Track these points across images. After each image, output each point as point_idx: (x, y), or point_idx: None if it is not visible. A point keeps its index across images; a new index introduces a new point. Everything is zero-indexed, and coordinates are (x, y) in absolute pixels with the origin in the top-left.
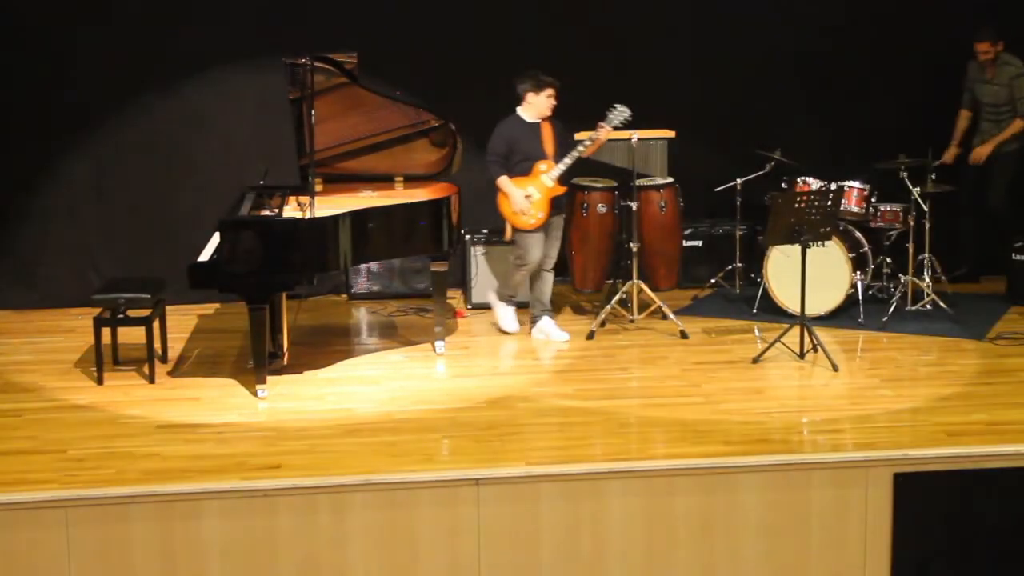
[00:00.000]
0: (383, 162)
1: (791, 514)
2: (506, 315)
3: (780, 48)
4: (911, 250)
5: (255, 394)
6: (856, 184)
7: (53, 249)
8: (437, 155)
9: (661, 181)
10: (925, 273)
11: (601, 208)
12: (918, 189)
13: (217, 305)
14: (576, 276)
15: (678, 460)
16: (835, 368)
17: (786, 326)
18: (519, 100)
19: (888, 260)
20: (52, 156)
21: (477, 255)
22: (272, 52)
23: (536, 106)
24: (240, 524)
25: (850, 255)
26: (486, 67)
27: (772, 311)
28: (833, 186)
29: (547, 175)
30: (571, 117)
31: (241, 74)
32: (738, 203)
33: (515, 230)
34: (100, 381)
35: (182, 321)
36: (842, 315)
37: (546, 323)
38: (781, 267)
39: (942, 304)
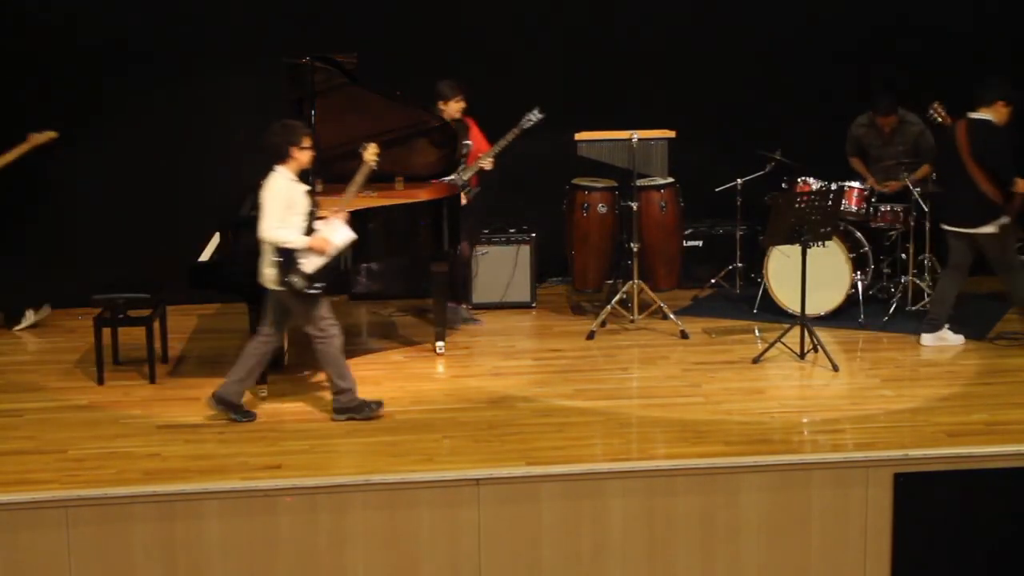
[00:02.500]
0: (383, 162)
1: (791, 514)
2: (949, 335)
3: (781, 48)
4: (911, 250)
5: (255, 394)
6: (856, 184)
7: (53, 249)
8: (437, 155)
9: (661, 181)
10: (925, 273)
11: (601, 208)
12: (918, 189)
13: (217, 305)
14: (576, 276)
15: (678, 460)
16: (835, 368)
17: (786, 326)
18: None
19: (888, 260)
20: (53, 156)
21: (477, 255)
22: (272, 52)
23: None
24: (240, 524)
25: (850, 255)
26: (486, 67)
27: (772, 311)
28: (833, 186)
29: None
30: (573, 116)
31: (241, 74)
32: (738, 203)
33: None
34: (100, 381)
35: (182, 321)
36: (842, 315)
37: (947, 332)
38: (781, 267)
39: None
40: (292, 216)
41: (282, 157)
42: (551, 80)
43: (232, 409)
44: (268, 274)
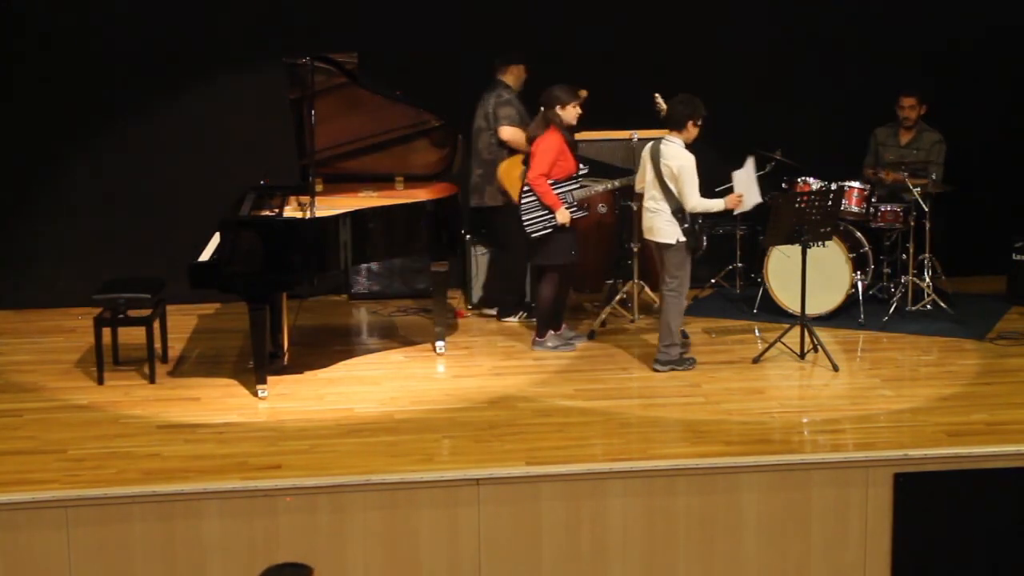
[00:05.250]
0: (383, 162)
1: (791, 514)
2: None
3: (781, 48)
4: (911, 250)
5: (255, 394)
6: (856, 184)
7: (53, 249)
8: (437, 155)
9: None
10: (925, 273)
11: (601, 208)
12: (918, 189)
13: (217, 305)
14: (576, 276)
15: (678, 460)
16: (835, 368)
17: (786, 326)
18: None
19: (888, 260)
20: (53, 156)
21: (477, 255)
22: (272, 52)
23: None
24: (240, 524)
25: (850, 255)
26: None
27: (772, 311)
28: (833, 186)
29: None
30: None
31: (241, 74)
32: None
33: None
34: (100, 381)
35: (182, 321)
36: (842, 315)
37: None
38: (781, 267)
39: (942, 304)
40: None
41: (679, 127)
42: (552, 80)
43: (676, 365)
44: (665, 230)
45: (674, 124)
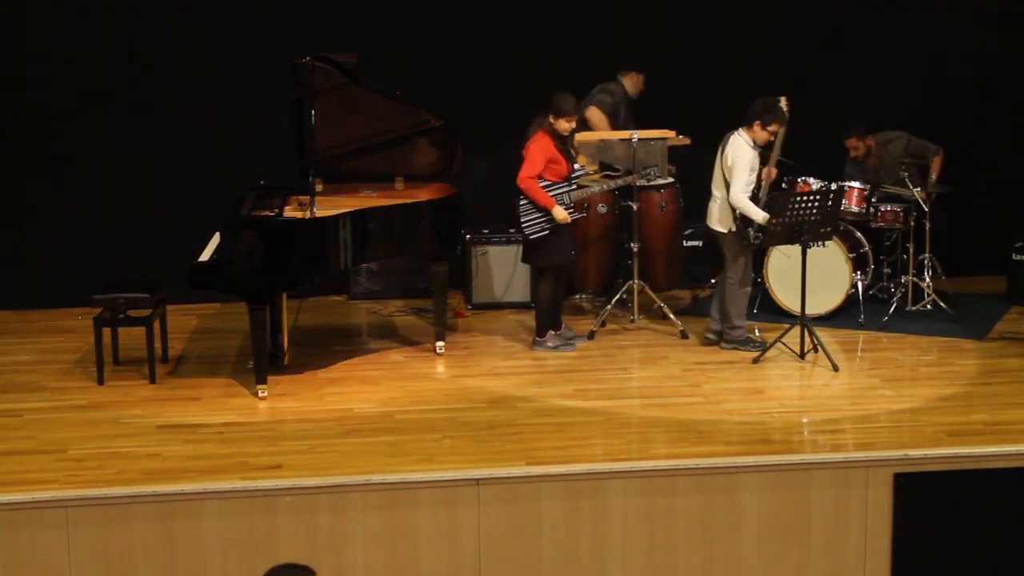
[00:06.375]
0: (383, 162)
1: (791, 514)
2: None
3: (781, 48)
4: (911, 250)
5: (255, 394)
6: (856, 184)
7: (53, 249)
8: (437, 155)
9: (661, 181)
10: (925, 273)
11: (601, 208)
12: (918, 189)
13: (217, 305)
14: (576, 276)
15: (678, 460)
16: (835, 368)
17: (786, 326)
18: None
19: (888, 260)
20: (53, 156)
21: (477, 255)
22: (272, 52)
23: None
24: (240, 524)
25: (850, 255)
26: (485, 68)
27: (772, 311)
28: (833, 186)
29: None
30: None
31: (241, 74)
32: None
33: None
34: (100, 381)
35: (182, 321)
36: (842, 315)
37: None
38: (781, 267)
39: (942, 304)
40: (751, 176)
41: (748, 124)
42: (551, 80)
43: (743, 345)
44: (720, 218)
45: (745, 121)
